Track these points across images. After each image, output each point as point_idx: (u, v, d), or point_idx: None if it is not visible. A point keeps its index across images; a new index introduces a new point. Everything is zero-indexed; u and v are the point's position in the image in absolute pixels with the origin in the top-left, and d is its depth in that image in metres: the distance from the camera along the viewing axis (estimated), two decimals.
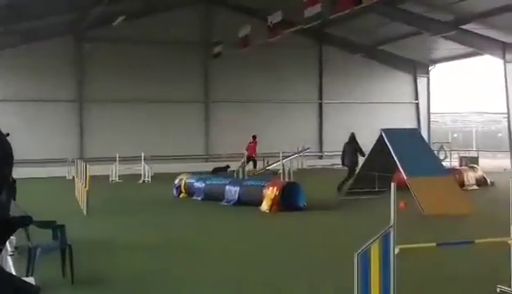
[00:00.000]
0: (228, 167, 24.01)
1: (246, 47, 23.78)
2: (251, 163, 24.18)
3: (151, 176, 22.47)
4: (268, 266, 7.87)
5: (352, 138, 18.18)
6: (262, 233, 10.81)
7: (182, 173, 17.45)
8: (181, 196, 16.40)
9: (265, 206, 13.36)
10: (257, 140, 25.47)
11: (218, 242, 9.78)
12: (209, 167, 25.28)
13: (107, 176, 22.07)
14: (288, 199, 13.44)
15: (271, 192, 13.48)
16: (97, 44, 27.16)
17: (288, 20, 21.37)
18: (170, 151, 28.11)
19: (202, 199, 15.47)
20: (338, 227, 11.49)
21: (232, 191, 14.70)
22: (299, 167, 26.42)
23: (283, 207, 13.14)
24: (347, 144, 18.08)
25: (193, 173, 17.79)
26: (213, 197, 15.10)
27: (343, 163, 18.02)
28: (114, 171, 22.61)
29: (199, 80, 30.03)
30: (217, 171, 22.93)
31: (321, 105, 32.82)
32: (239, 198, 14.38)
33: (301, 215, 12.81)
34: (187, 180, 16.57)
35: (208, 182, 15.92)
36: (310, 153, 29.51)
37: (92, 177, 13.57)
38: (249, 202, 13.89)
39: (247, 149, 24.39)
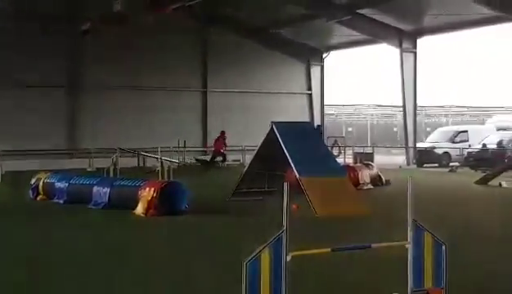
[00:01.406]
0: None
1: (121, 25, 23.21)
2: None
3: (1, 175, 21.33)
4: (136, 288, 7.59)
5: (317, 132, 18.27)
6: (133, 243, 10.55)
7: (40, 171, 16.70)
8: (38, 198, 15.70)
9: (140, 209, 13.12)
10: (226, 135, 27.94)
11: (75, 259, 8.97)
12: (75, 164, 24.44)
13: None
14: (167, 201, 13.28)
15: (147, 193, 13.26)
16: None
17: None
18: (24, 145, 26.79)
19: (65, 202, 14.89)
20: (223, 232, 11.54)
21: (101, 192, 14.28)
22: (180, 163, 26.31)
23: (161, 211, 12.97)
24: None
25: (56, 171, 17.05)
26: (79, 199, 14.59)
27: None
28: None
29: (61, 62, 28.78)
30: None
31: (205, 94, 32.86)
32: (109, 200, 14.02)
33: (182, 219, 12.72)
34: (47, 180, 15.88)
35: (72, 182, 15.35)
36: (193, 147, 29.54)
37: None
38: (122, 204, 13.58)
39: (214, 145, 26.72)
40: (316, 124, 20.03)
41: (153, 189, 13.29)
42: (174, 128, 29.58)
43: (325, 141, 24.00)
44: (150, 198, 13.13)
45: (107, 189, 14.23)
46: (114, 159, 17.60)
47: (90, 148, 27.33)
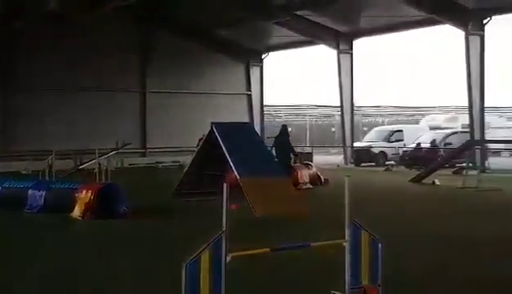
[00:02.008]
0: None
1: (57, 24, 22.71)
2: None
3: None
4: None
5: (284, 131, 18.13)
6: (68, 247, 10.34)
7: None
8: None
9: (77, 212, 12.86)
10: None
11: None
12: (8, 167, 23.72)
13: None
14: (105, 204, 13.06)
15: (84, 195, 13.02)
16: None
17: None
18: None
19: None
20: (163, 234, 11.45)
21: (37, 195, 13.92)
22: (118, 165, 25.91)
23: (99, 213, 12.75)
24: (276, 139, 17.99)
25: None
26: (12, 203, 14.15)
27: None
28: None
29: None
30: None
31: (144, 95, 32.49)
32: (45, 203, 13.68)
33: (120, 222, 12.54)
34: None
35: (5, 185, 14.89)
36: (131, 149, 29.15)
37: None
38: (58, 207, 13.28)
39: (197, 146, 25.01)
40: (282, 125, 20.14)
41: (90, 191, 13.06)
42: (112, 129, 29.11)
43: (264, 142, 24.13)
44: (87, 201, 12.90)
45: (43, 192, 13.89)
46: (50, 161, 17.19)
47: (23, 150, 26.56)
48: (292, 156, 19.19)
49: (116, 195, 13.39)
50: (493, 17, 25.07)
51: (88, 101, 29.83)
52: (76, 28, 26.23)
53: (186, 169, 16.55)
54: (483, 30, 25.24)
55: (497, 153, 31.46)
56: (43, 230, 11.85)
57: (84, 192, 13.10)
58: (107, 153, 22.04)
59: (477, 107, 25.73)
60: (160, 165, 28.25)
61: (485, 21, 25.14)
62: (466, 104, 26.62)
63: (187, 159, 18.28)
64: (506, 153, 33.28)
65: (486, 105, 26.79)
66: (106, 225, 12.09)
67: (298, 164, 20.75)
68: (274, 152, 18.26)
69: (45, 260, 9.16)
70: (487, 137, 29.11)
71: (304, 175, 19.61)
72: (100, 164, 16.17)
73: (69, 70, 29.17)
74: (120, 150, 26.75)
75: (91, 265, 8.79)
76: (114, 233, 11.52)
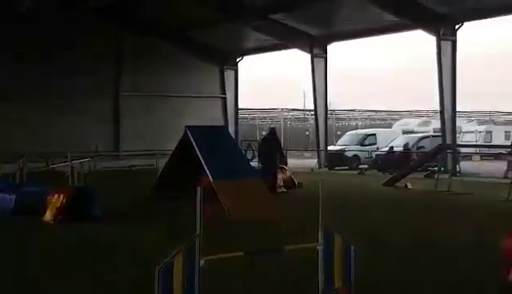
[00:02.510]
0: None
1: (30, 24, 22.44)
2: None
3: None
4: None
5: (272, 134, 17.92)
6: (40, 250, 10.20)
7: None
8: None
9: (49, 215, 12.70)
10: None
11: None
12: None
13: None
14: (77, 207, 12.92)
15: (56, 199, 12.86)
16: None
17: None
18: None
19: None
20: (135, 237, 11.35)
21: (7, 199, 13.74)
22: (92, 168, 25.63)
23: (71, 217, 12.60)
24: (263, 142, 17.80)
25: None
26: None
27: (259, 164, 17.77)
28: None
29: None
30: None
31: (117, 97, 32.25)
32: (16, 206, 13.49)
33: (94, 225, 12.40)
34: None
35: None
36: (105, 152, 28.91)
37: None
38: (30, 211, 13.10)
39: None
40: (269, 127, 19.86)
41: (62, 194, 12.90)
42: (85, 132, 28.82)
43: (239, 145, 24.11)
44: (58, 205, 12.74)
45: (13, 196, 13.70)
46: (21, 164, 16.93)
47: None
48: (278, 158, 18.94)
49: (88, 198, 13.26)
50: (465, 23, 25.43)
51: (62, 103, 29.46)
52: (50, 27, 25.90)
53: (160, 172, 16.46)
54: (455, 35, 25.58)
55: (468, 157, 31.87)
56: (11, 233, 11.67)
57: (56, 195, 12.95)
58: (81, 157, 21.75)
59: (448, 111, 26.05)
60: (134, 168, 28.03)
61: (457, 27, 25.48)
62: (438, 108, 26.92)
63: (162, 162, 18.16)
64: (477, 157, 33.75)
65: (457, 110, 27.14)
66: (76, 229, 11.93)
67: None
68: (258, 155, 18.04)
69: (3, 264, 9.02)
70: (458, 141, 29.46)
71: (279, 178, 19.63)
72: (72, 167, 15.96)
73: (44, 71, 28.78)
74: (93, 153, 26.52)
75: (51, 269, 8.69)
76: (83, 236, 11.37)
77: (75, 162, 17.09)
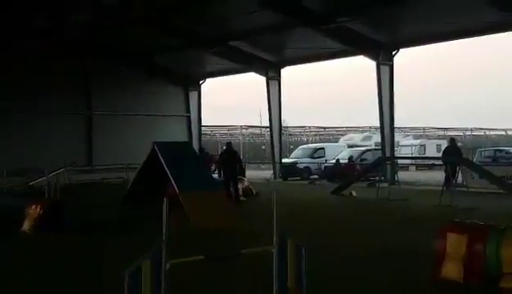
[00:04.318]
0: None
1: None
2: None
3: None
4: None
5: (229, 148, 17.79)
6: (17, 260, 9.97)
7: None
8: None
9: (26, 226, 12.42)
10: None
11: None
12: None
13: None
14: (53, 218, 12.65)
15: (34, 211, 12.59)
16: None
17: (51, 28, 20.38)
18: None
19: None
20: (107, 246, 11.19)
21: None
22: (67, 182, 25.16)
23: (48, 228, 12.32)
24: (225, 155, 17.62)
25: None
26: None
27: (219, 176, 17.59)
28: None
29: None
30: None
31: (90, 117, 31.89)
32: None
33: (67, 236, 12.15)
34: None
35: None
36: (79, 167, 28.41)
37: None
38: (8, 222, 12.74)
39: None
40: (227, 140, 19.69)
41: (39, 206, 12.64)
42: (60, 148, 28.26)
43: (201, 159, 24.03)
44: (36, 216, 12.48)
45: None
46: None
47: None
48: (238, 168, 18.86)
49: (64, 210, 13.02)
50: (400, 50, 26.04)
51: (37, 123, 28.90)
52: (25, 54, 25.38)
53: (129, 185, 16.29)
54: (392, 60, 26.15)
55: (405, 167, 32.50)
56: None
57: (34, 207, 12.68)
58: (56, 171, 21.37)
59: (387, 127, 26.52)
60: (106, 181, 27.61)
61: (394, 53, 26.08)
62: (378, 124, 27.40)
63: (131, 175, 17.94)
64: (413, 168, 34.43)
65: (395, 126, 27.66)
66: (52, 239, 11.67)
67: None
68: (218, 168, 17.98)
69: None
70: (397, 154, 29.95)
71: (239, 188, 19.66)
72: (49, 182, 15.67)
73: (18, 94, 28.08)
74: (68, 167, 26.04)
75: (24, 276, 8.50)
76: (58, 245, 11.15)
77: (52, 175, 16.79)
